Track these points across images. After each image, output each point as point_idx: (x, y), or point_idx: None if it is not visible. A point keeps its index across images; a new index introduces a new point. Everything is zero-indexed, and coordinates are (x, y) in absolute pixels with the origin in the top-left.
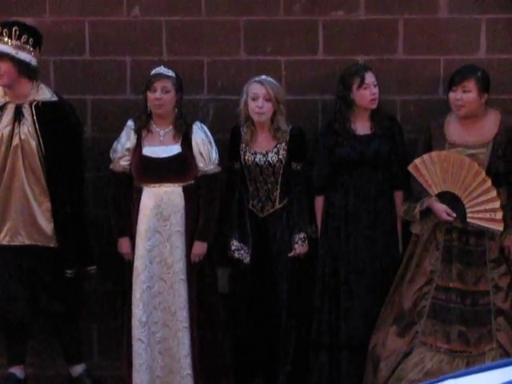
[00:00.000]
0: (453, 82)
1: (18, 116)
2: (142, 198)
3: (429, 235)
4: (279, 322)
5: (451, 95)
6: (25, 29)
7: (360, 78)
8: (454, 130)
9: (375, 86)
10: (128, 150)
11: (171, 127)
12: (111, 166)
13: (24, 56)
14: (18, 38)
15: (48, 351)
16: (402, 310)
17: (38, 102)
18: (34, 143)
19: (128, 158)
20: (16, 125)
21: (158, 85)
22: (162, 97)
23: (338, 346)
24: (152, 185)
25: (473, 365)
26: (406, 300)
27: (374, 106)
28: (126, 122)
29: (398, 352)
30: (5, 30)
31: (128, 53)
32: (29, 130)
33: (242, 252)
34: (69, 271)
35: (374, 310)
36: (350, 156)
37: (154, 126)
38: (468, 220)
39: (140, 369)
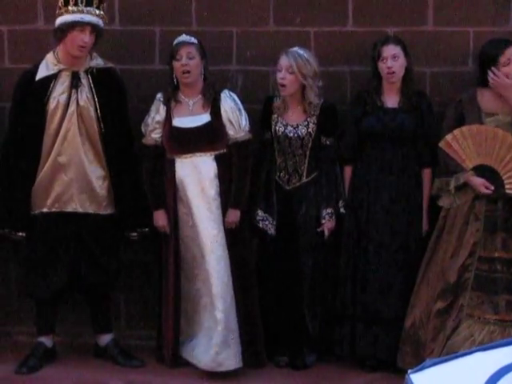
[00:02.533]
0: (497, 57)
1: (75, 83)
2: (176, 169)
3: (468, 208)
4: (301, 294)
5: (506, 70)
6: None
7: (378, 51)
8: (488, 99)
9: (395, 58)
10: (158, 122)
11: (200, 96)
12: (143, 140)
13: (102, 26)
14: (103, 8)
15: (76, 320)
16: (448, 285)
17: (93, 69)
18: (92, 109)
19: (159, 130)
20: (73, 92)
21: (183, 51)
22: (187, 63)
23: (356, 318)
24: (184, 155)
25: None
26: (452, 274)
27: (393, 80)
28: (155, 92)
29: (445, 329)
30: (95, 1)
31: (157, 23)
32: (87, 97)
33: (267, 223)
34: (133, 234)
35: (394, 285)
36: (374, 127)
37: (183, 96)
38: (506, 191)
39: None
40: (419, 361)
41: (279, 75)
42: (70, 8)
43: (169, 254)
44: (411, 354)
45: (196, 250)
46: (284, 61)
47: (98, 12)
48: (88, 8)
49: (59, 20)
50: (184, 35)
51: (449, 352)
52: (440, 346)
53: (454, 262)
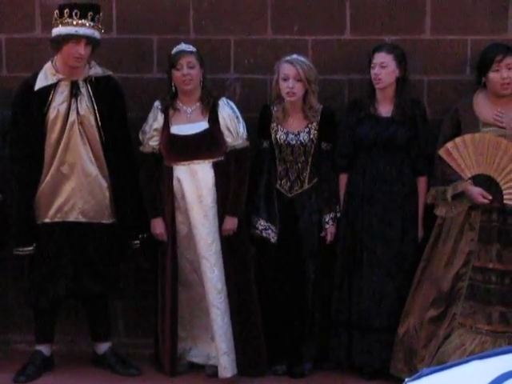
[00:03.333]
0: (492, 61)
1: (74, 92)
2: (174, 176)
3: (463, 217)
4: (304, 301)
5: (494, 75)
6: (97, 9)
7: (370, 57)
8: (485, 109)
9: (383, 67)
10: (156, 130)
11: (198, 104)
12: (141, 148)
13: (98, 37)
14: (98, 20)
15: (74, 329)
16: (441, 294)
17: (92, 78)
18: (92, 118)
19: (157, 138)
20: (73, 101)
21: (183, 61)
22: (189, 72)
23: (352, 325)
24: (182, 163)
25: None
26: (445, 283)
27: (379, 86)
28: (153, 100)
29: (436, 337)
30: (90, 13)
31: (155, 31)
32: (87, 105)
33: (270, 231)
34: (136, 242)
35: (388, 293)
36: (367, 136)
37: (181, 104)
38: (505, 202)
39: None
40: (411, 368)
41: (287, 84)
42: (64, 20)
43: (166, 262)
44: (403, 362)
45: (191, 257)
46: (290, 70)
47: (92, 24)
48: (82, 20)
49: (54, 31)
50: (183, 44)
51: (440, 360)
52: (431, 353)
53: (447, 270)
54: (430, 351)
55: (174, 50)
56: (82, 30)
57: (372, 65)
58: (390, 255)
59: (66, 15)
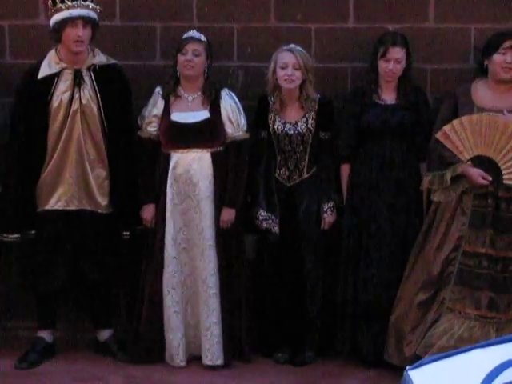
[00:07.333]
0: (501, 44)
1: (77, 81)
2: (171, 163)
3: (456, 202)
4: (303, 290)
5: (499, 58)
6: None
7: (384, 49)
8: (483, 95)
9: (399, 62)
10: (155, 116)
11: (199, 93)
12: (139, 133)
13: (95, 17)
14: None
15: (75, 315)
16: (431, 278)
17: (96, 66)
18: (95, 107)
19: (155, 124)
20: (75, 90)
21: (190, 47)
22: (192, 59)
23: (358, 315)
24: (180, 150)
25: (502, 331)
26: (435, 267)
27: (390, 80)
28: (156, 87)
29: (424, 321)
30: None
31: (158, 19)
32: (90, 95)
33: (270, 221)
34: (126, 233)
35: (395, 280)
36: (374, 124)
37: (183, 91)
38: (504, 182)
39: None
40: (401, 353)
41: (285, 72)
42: (57, 6)
43: (155, 248)
44: (394, 346)
45: (187, 244)
46: (290, 57)
47: (85, 3)
48: (74, 2)
49: (51, 21)
50: (195, 31)
51: (427, 344)
52: (418, 338)
53: (438, 254)
54: (418, 335)
55: (184, 36)
56: (75, 12)
57: (386, 58)
58: (396, 241)
59: (58, 1)
